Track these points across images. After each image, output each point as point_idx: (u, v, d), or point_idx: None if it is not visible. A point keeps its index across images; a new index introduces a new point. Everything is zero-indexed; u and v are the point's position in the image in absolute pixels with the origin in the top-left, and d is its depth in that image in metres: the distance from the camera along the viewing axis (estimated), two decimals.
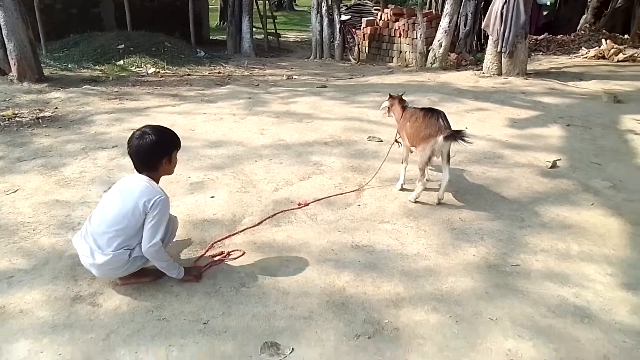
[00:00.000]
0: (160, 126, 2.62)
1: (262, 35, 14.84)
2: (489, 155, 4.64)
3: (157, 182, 2.54)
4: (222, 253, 2.91)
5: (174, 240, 2.87)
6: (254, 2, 13.92)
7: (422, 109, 3.72)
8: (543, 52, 11.36)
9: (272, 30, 14.96)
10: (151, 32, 11.52)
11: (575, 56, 10.53)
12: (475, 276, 2.74)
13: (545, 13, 15.84)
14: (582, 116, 5.88)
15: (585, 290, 2.63)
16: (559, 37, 12.41)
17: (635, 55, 10.01)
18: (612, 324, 2.37)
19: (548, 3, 10.22)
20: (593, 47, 10.68)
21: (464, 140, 3.29)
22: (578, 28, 13.36)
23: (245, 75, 9.62)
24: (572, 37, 12.23)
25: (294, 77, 9.47)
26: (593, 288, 2.65)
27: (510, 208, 3.58)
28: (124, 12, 11.35)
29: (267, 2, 14.78)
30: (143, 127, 2.54)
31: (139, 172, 2.52)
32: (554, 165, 4.34)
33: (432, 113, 3.56)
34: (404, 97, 4.00)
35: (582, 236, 3.20)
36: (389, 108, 4.04)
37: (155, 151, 2.48)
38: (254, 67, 10.67)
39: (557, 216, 3.46)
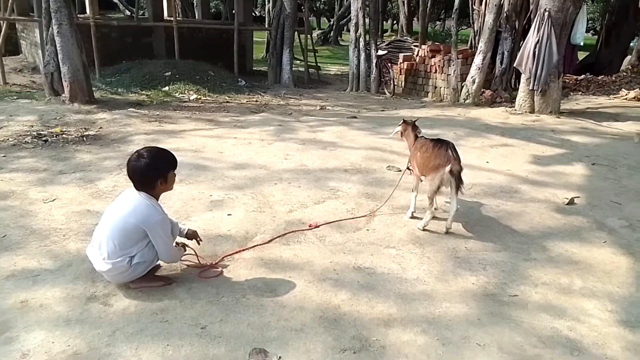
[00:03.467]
0: (158, 148, 2.80)
1: (303, 68, 15.34)
2: (505, 189, 4.66)
3: (157, 199, 2.75)
4: (205, 265, 3.10)
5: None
6: (297, 35, 14.48)
7: (432, 139, 3.84)
8: (582, 92, 11.21)
9: (313, 63, 15.45)
10: (197, 61, 12.18)
11: (614, 97, 10.34)
12: (471, 303, 2.78)
13: (586, 54, 15.72)
14: (610, 156, 5.80)
15: (580, 324, 2.62)
16: (599, 77, 12.23)
17: None
18: (602, 358, 2.36)
19: (582, 44, 10.16)
20: (634, 89, 10.46)
21: (459, 188, 3.47)
22: (620, 69, 13.12)
23: (281, 105, 9.99)
24: (614, 78, 12.02)
25: (327, 107, 9.75)
26: (589, 323, 2.64)
27: (519, 241, 3.59)
28: (174, 42, 12.08)
29: (308, 36, 15.30)
30: (141, 149, 2.74)
31: (138, 190, 2.71)
32: (571, 202, 4.31)
33: (441, 144, 3.68)
34: (416, 124, 4.13)
35: (588, 272, 3.18)
36: (401, 133, 4.19)
37: (149, 173, 2.67)
38: (291, 97, 11.04)
39: (565, 251, 3.45)
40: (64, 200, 4.13)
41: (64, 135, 6.22)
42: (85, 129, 6.66)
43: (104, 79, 10.84)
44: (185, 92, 10.27)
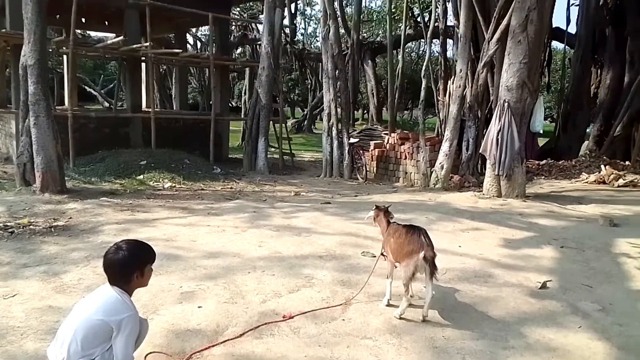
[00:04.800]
0: (137, 241, 2.74)
1: (278, 155, 15.71)
2: (479, 273, 4.68)
3: (130, 295, 2.63)
4: None
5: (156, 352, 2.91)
6: (272, 124, 15.00)
7: (404, 225, 3.89)
8: (545, 177, 11.72)
9: (287, 150, 15.88)
10: (173, 150, 12.39)
11: (576, 181, 10.83)
12: None
13: (547, 140, 16.65)
14: (577, 238, 5.95)
15: None
16: (560, 162, 12.88)
17: (636, 180, 10.26)
18: None
19: (541, 131, 10.80)
20: (594, 173, 11.01)
21: (434, 275, 3.49)
22: (579, 154, 13.88)
23: (256, 191, 10.08)
24: (574, 162, 12.67)
25: (302, 193, 9.88)
26: None
27: (496, 328, 3.55)
28: (151, 132, 12.32)
29: (283, 125, 15.86)
30: (120, 241, 2.67)
31: (112, 285, 2.58)
32: (543, 286, 4.34)
33: (414, 230, 3.73)
34: (389, 210, 4.20)
35: (566, 359, 3.13)
36: (374, 218, 4.24)
37: (127, 266, 2.57)
38: (265, 184, 11.18)
39: (543, 338, 3.41)
40: (26, 296, 3.94)
41: (31, 227, 6.07)
42: (54, 219, 6.53)
43: (79, 168, 10.84)
44: (160, 180, 10.31)
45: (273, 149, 16.19)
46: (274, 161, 14.96)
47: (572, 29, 16.29)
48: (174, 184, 10.12)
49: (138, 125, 13.44)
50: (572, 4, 16.43)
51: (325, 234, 6.02)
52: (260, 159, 13.71)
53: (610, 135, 13.52)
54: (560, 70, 21.18)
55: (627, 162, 12.18)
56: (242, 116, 22.55)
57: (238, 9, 25.05)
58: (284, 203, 8.43)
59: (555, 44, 19.78)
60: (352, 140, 13.40)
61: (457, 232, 6.25)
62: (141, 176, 10.45)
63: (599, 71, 15.77)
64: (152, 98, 14.59)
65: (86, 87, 30.43)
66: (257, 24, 22.75)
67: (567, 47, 19.40)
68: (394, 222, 4.11)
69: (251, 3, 23.79)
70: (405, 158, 12.16)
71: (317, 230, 6.22)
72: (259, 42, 18.85)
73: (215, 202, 8.41)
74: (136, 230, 6.00)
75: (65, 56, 15.31)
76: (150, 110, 13.34)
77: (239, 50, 30.90)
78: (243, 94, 26.36)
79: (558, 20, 36.43)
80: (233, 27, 24.28)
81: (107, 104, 28.37)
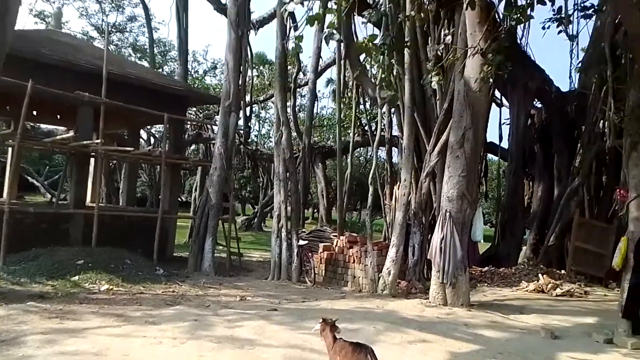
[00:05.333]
0: None
1: (225, 254, 15.38)
2: None
3: None
4: None
5: None
6: (221, 223, 14.85)
7: (351, 343, 3.83)
8: (488, 284, 12.00)
9: (236, 250, 15.59)
10: (115, 248, 11.82)
11: (517, 289, 11.15)
12: None
13: (488, 246, 17.33)
14: (520, 351, 6.01)
15: None
16: (501, 270, 13.31)
17: (572, 290, 10.71)
18: None
19: (481, 241, 11.30)
20: (532, 281, 11.40)
21: None
22: (518, 262, 14.45)
23: (199, 295, 9.67)
24: (513, 270, 13.12)
25: (248, 298, 9.56)
26: None
27: None
28: (93, 228, 11.82)
29: (232, 224, 15.74)
30: None
31: None
32: None
33: (360, 348, 3.68)
34: (336, 324, 4.14)
35: None
36: (321, 332, 4.15)
37: None
38: (210, 287, 10.77)
39: None
40: None
41: None
42: None
43: (8, 267, 10.09)
44: (97, 282, 9.72)
45: (221, 247, 15.86)
46: (221, 261, 14.57)
47: (505, 144, 17.79)
48: (111, 287, 9.55)
49: (79, 222, 12.92)
50: (504, 123, 18.11)
51: (270, 346, 5.78)
52: (206, 260, 13.35)
53: (545, 244, 14.27)
54: (496, 179, 22.73)
55: (562, 271, 12.74)
56: (192, 212, 22.25)
57: (194, 108, 25.82)
58: (229, 309, 8.10)
59: (491, 155, 21.36)
60: (301, 242, 13.39)
61: (404, 344, 6.16)
62: (76, 277, 9.83)
63: (530, 183, 17.05)
64: (97, 193, 14.24)
65: (29, 178, 29.42)
66: (213, 125, 23.41)
67: (501, 159, 21.01)
68: (340, 338, 4.04)
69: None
70: (354, 262, 12.20)
71: (262, 342, 5.96)
72: (213, 142, 19.24)
73: (154, 308, 7.95)
74: (62, 342, 5.53)
75: (10, 147, 14.94)
76: (94, 205, 12.95)
77: (192, 147, 31.33)
78: (194, 190, 26.25)
79: (492, 135, 39.66)
80: (188, 125, 24.80)
81: (49, 196, 27.38)
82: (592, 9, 10.41)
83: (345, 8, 8.02)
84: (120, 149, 15.60)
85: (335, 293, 11.06)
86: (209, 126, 25.21)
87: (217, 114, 17.26)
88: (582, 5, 10.54)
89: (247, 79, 18.54)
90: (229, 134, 14.18)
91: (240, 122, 22.83)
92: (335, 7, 9.07)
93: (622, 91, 10.09)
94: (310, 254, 13.26)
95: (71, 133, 12.94)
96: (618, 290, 9.21)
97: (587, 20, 11.16)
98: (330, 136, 29.56)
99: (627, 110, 9.15)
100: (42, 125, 22.76)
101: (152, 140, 28.80)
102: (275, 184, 14.46)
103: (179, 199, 23.48)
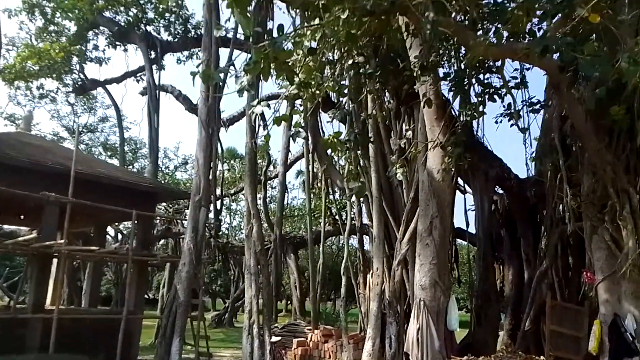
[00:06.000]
0: None
1: (194, 355, 14.56)
2: None
3: None
4: None
5: None
6: (190, 321, 14.23)
7: None
8: None
9: (205, 349, 14.82)
10: (74, 355, 11.13)
11: None
12: None
13: (465, 332, 17.03)
14: None
15: None
16: (480, 358, 13.00)
17: None
18: None
19: (457, 330, 11.17)
20: None
21: None
22: (497, 349, 14.17)
23: None
24: (492, 358, 12.84)
25: None
26: None
27: None
28: (51, 333, 11.14)
29: (201, 321, 15.10)
30: None
31: None
32: None
33: None
34: None
35: None
36: None
37: None
38: None
39: None
40: None
41: None
42: None
43: None
44: None
45: (189, 347, 15.04)
46: None
47: (473, 229, 18.19)
48: None
49: (37, 327, 12.15)
50: (469, 209, 18.67)
51: None
52: None
53: (522, 329, 14.15)
54: (467, 264, 22.91)
55: (541, 357, 12.55)
56: (159, 310, 21.30)
57: (164, 203, 25.73)
58: None
59: (460, 240, 21.69)
60: (274, 338, 12.91)
61: None
62: None
63: (501, 267, 17.26)
64: (58, 295, 13.58)
65: None
66: (182, 220, 23.24)
67: (470, 244, 21.35)
68: None
69: None
70: (329, 357, 11.78)
71: None
72: (182, 236, 19.02)
73: None
74: None
75: None
76: (54, 308, 12.28)
77: (161, 242, 30.73)
78: (162, 287, 25.34)
79: (459, 221, 40.54)
80: (157, 220, 24.54)
81: (7, 299, 25.89)
82: (539, 104, 11.28)
83: (310, 109, 8.51)
84: (84, 248, 15.21)
85: None
86: (178, 221, 25.01)
87: (187, 209, 17.24)
88: (529, 101, 11.42)
89: (218, 173, 18.84)
90: (198, 228, 14.09)
91: (211, 216, 22.89)
92: (301, 108, 9.61)
93: (576, 177, 10.63)
94: (283, 350, 12.76)
95: (34, 234, 12.60)
96: None
97: (536, 114, 12.02)
98: (302, 226, 29.68)
99: (582, 196, 9.60)
100: (5, 226, 22.10)
101: (120, 236, 28.18)
102: (246, 278, 14.19)
103: (146, 296, 22.55)
